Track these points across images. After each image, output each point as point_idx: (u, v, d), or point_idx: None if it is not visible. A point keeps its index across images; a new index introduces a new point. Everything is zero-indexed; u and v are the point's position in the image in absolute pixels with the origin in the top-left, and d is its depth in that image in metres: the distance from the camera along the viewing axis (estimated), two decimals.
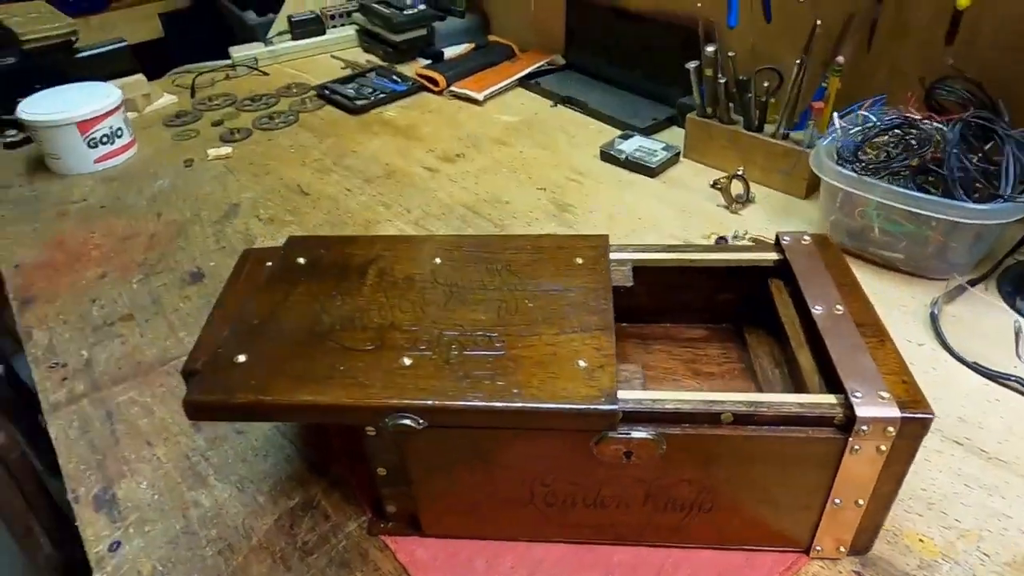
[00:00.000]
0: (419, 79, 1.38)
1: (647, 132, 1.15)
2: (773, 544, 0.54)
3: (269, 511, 0.60)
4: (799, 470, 0.49)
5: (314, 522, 0.59)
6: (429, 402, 0.48)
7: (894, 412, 0.45)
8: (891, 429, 0.45)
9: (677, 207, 0.98)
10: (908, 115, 0.81)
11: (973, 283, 0.79)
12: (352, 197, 1.05)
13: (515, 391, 0.48)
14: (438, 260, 0.61)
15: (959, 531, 0.55)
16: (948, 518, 0.56)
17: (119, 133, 1.15)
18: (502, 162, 1.12)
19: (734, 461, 0.49)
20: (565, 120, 1.24)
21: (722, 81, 0.98)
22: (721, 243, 0.90)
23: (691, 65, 1.00)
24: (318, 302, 0.57)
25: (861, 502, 0.49)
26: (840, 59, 0.89)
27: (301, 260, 0.62)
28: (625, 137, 1.12)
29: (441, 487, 0.54)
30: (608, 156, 1.09)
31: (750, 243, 0.90)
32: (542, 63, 1.39)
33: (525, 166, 1.10)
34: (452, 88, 1.35)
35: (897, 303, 0.78)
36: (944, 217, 0.74)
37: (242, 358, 0.52)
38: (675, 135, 1.15)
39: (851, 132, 0.84)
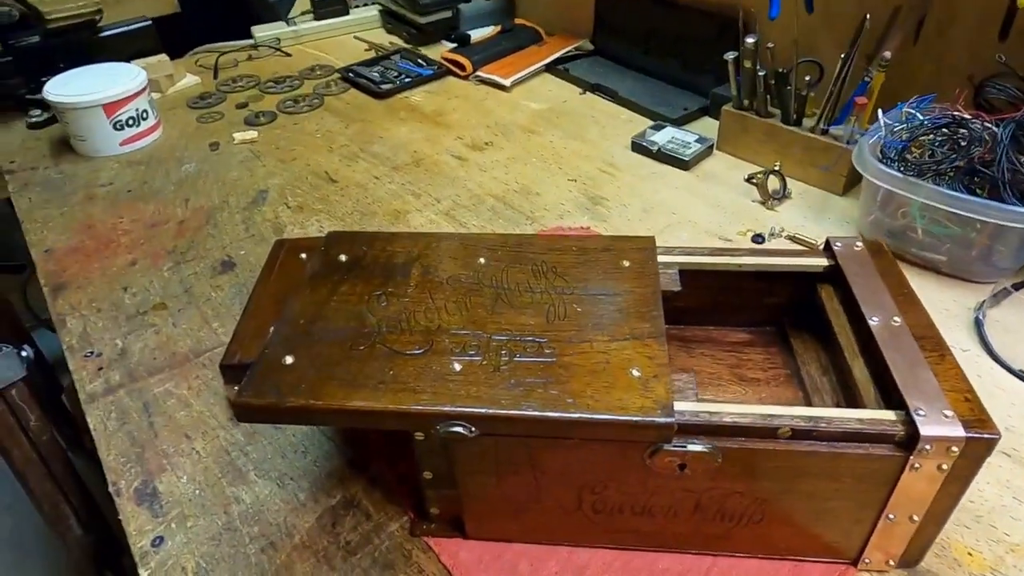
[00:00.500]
0: (445, 63, 1.36)
1: (678, 123, 1.13)
2: (821, 555, 0.53)
3: (310, 509, 0.60)
4: (855, 485, 0.48)
5: (356, 521, 0.59)
6: (481, 410, 0.47)
7: (959, 431, 0.44)
8: (955, 449, 0.45)
9: (711, 202, 0.96)
10: (956, 113, 0.79)
11: (1018, 287, 0.78)
12: (380, 185, 1.04)
13: (569, 401, 0.47)
14: (482, 260, 0.60)
15: (1008, 545, 0.55)
16: (997, 531, 0.56)
17: (145, 115, 1.14)
18: (532, 151, 1.10)
19: (788, 475, 0.48)
20: (594, 108, 1.22)
21: (761, 73, 0.96)
22: (758, 240, 0.88)
23: (729, 56, 0.97)
24: (363, 302, 0.56)
25: (916, 518, 0.49)
26: (887, 53, 0.86)
27: (343, 257, 0.61)
28: (657, 128, 1.10)
29: (487, 491, 0.53)
30: (640, 147, 1.08)
31: (788, 241, 0.88)
32: (569, 48, 1.37)
33: (555, 156, 1.09)
34: (478, 73, 1.32)
35: (939, 307, 0.77)
36: (992, 220, 0.72)
37: (289, 360, 0.51)
38: (707, 126, 1.13)
39: (896, 130, 0.82)
